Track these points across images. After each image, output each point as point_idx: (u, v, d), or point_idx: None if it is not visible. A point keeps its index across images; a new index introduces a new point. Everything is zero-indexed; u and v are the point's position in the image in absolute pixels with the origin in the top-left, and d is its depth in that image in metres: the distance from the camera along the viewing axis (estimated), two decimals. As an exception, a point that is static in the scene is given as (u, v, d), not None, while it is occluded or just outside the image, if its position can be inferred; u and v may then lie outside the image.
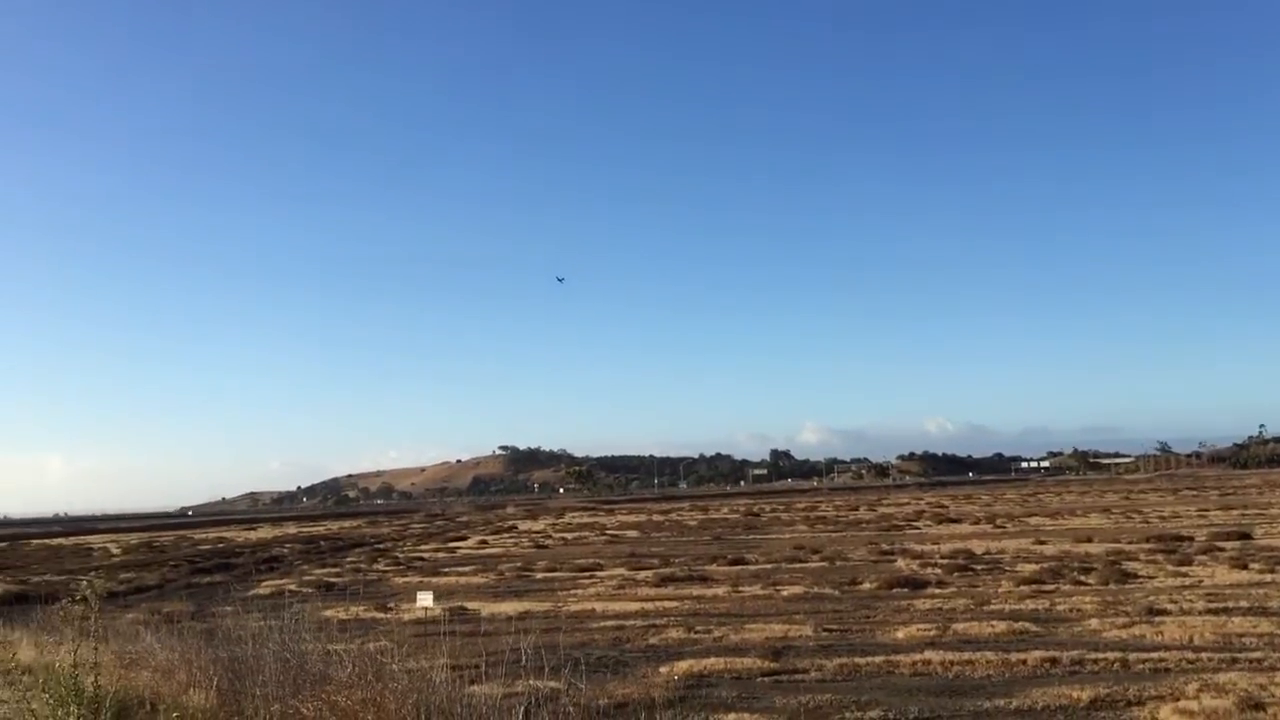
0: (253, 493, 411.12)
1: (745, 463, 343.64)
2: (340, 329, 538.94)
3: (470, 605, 27.30)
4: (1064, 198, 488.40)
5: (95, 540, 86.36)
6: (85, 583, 10.17)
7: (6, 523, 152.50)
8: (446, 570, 41.39)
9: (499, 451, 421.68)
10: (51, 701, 8.85)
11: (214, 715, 9.27)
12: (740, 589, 29.28)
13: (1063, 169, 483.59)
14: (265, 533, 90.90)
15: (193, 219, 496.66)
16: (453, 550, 56.26)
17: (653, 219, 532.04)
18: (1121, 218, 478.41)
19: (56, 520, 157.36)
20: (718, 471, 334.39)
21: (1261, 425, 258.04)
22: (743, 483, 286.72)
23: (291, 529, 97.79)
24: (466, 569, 41.53)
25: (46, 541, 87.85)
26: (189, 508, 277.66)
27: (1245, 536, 40.34)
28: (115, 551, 67.86)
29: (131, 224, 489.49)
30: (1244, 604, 22.30)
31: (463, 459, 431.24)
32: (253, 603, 28.40)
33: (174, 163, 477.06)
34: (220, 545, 69.83)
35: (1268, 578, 26.88)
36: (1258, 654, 16.58)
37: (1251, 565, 29.57)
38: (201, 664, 11.02)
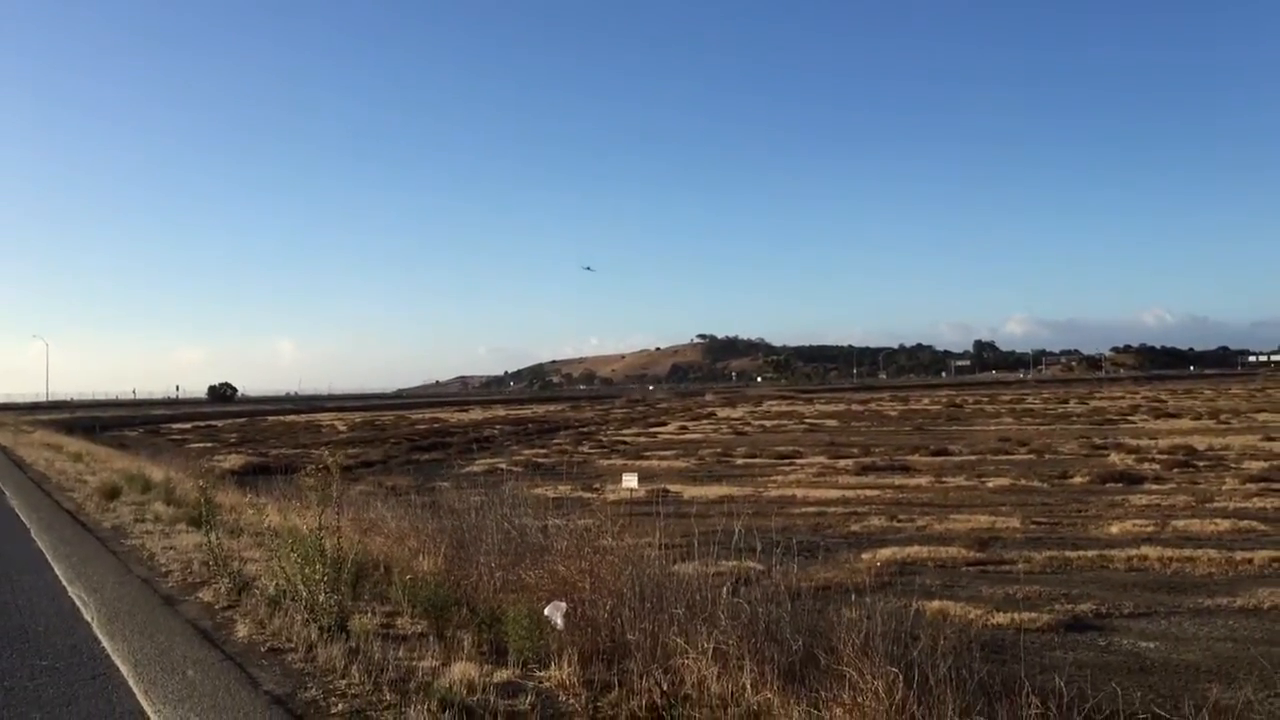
0: (462, 376, 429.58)
1: (947, 354, 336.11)
2: (543, 219, 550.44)
3: (673, 488, 27.92)
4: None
5: (323, 418, 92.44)
6: (327, 454, 10.91)
7: (245, 399, 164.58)
8: (648, 454, 42.34)
9: (697, 340, 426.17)
10: (298, 560, 9.61)
11: (443, 579, 9.88)
12: (943, 480, 28.87)
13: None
14: (476, 414, 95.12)
15: (411, 117, 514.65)
16: (654, 435, 57.52)
17: (859, 109, 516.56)
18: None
19: (288, 399, 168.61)
20: (918, 362, 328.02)
21: None
22: (944, 374, 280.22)
23: (500, 411, 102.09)
24: (668, 453, 42.40)
25: (281, 418, 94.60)
26: (404, 390, 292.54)
27: None
28: (341, 429, 72.53)
29: (344, 122, 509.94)
30: None
31: (661, 347, 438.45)
32: (468, 479, 29.93)
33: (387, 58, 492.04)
34: (435, 425, 73.51)
35: None
36: None
37: None
38: (429, 532, 11.74)
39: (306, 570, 9.42)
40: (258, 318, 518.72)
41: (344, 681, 7.46)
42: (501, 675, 7.43)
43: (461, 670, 7.41)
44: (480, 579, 9.81)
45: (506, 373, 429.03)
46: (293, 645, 8.57)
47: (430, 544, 11.41)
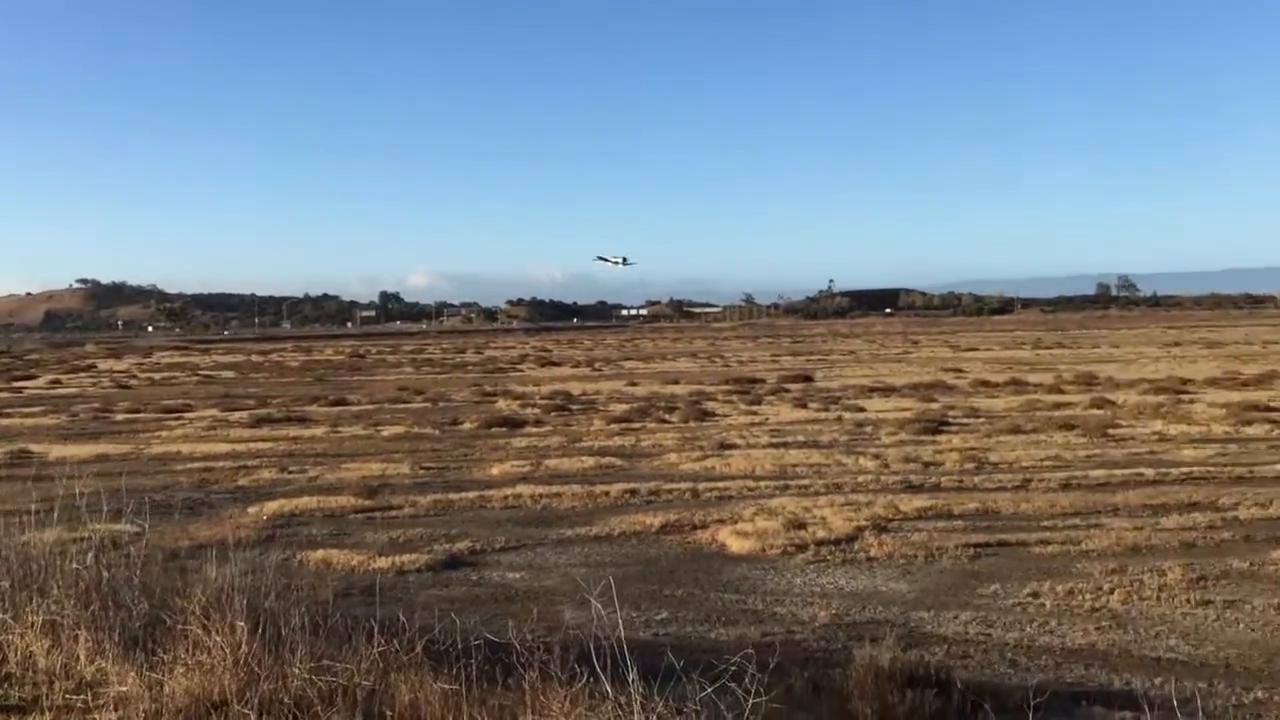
0: None
1: (354, 304, 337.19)
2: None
3: (37, 448, 25.22)
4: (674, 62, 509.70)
5: None
6: None
7: None
8: (10, 412, 37.75)
9: (77, 285, 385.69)
10: None
11: None
12: (339, 429, 29.00)
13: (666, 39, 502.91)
14: None
15: None
16: (18, 390, 51.39)
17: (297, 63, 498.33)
18: (721, 81, 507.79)
19: None
20: (324, 313, 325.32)
21: (831, 280, 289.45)
22: (350, 324, 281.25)
23: None
24: (35, 410, 38.15)
25: None
26: None
27: (808, 379, 45.15)
28: None
29: None
30: (800, 438, 25.02)
31: (34, 291, 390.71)
32: None
33: None
34: None
35: (822, 415, 30.27)
36: (806, 481, 18.73)
37: (810, 405, 33.19)
38: None
39: None
40: None
41: None
42: None
43: None
44: None
45: None
46: None
47: None
